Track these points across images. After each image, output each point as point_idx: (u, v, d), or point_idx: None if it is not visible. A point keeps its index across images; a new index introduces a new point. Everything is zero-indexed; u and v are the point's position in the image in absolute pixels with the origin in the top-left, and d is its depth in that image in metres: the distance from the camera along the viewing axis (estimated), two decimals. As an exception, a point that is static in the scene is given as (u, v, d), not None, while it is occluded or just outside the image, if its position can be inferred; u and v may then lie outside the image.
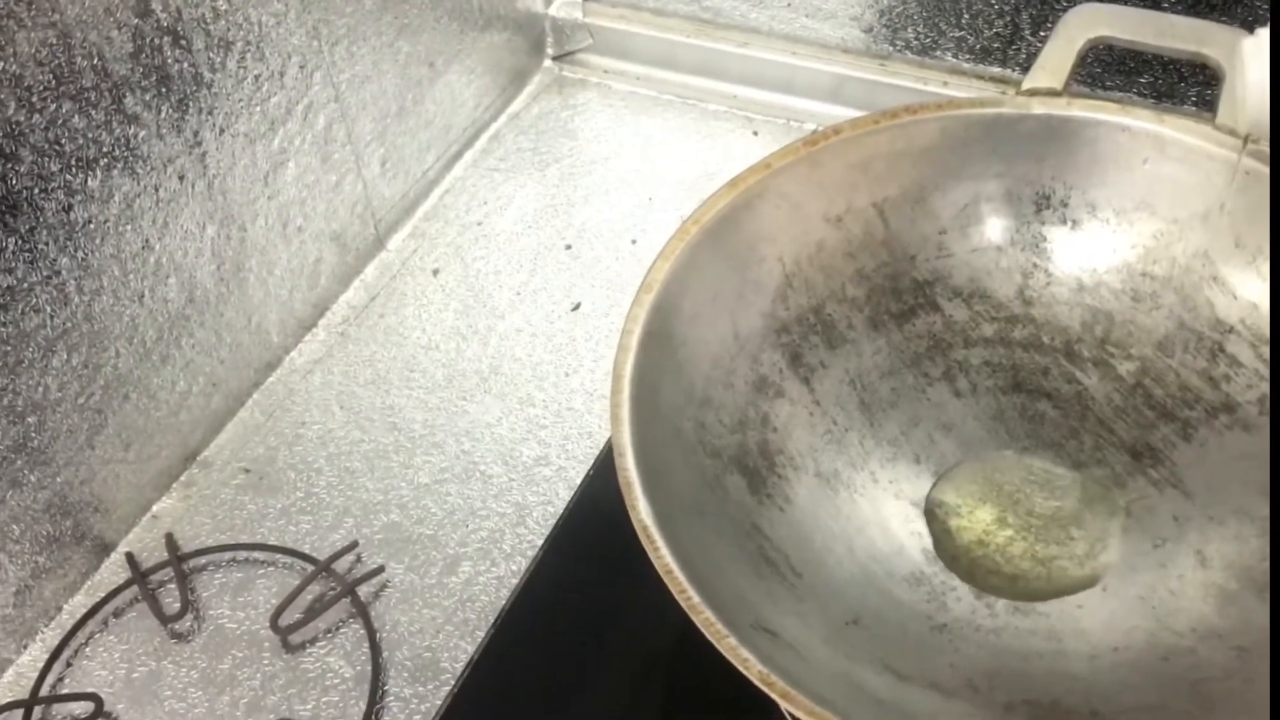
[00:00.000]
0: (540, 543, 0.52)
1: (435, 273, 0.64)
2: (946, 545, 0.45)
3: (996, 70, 0.65)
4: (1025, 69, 0.63)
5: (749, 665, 0.34)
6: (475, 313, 0.62)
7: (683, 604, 0.36)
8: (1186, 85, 0.61)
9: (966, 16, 0.64)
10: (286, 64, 0.55)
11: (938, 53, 0.66)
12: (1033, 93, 0.48)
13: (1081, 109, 0.48)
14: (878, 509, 0.45)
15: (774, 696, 0.34)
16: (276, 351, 0.60)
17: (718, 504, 0.42)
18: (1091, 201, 0.48)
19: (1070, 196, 0.49)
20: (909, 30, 0.66)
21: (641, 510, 0.38)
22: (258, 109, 0.54)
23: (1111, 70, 0.62)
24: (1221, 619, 0.40)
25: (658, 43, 0.73)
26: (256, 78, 0.53)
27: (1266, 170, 0.45)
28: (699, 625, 0.35)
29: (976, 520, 0.45)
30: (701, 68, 0.72)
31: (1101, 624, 0.41)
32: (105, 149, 0.47)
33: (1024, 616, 0.42)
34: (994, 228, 0.49)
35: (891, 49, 0.67)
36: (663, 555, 0.37)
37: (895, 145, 0.48)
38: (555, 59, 0.76)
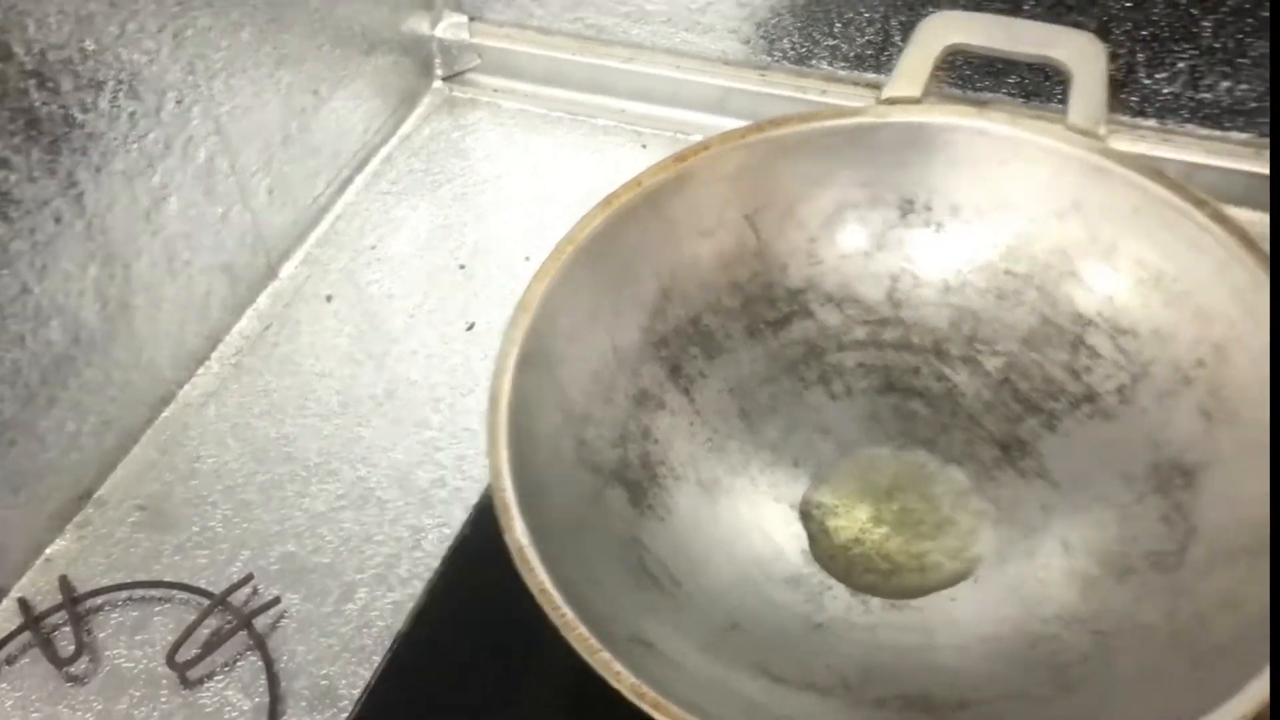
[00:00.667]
0: (436, 565, 0.52)
1: (329, 299, 0.64)
2: (824, 545, 0.46)
3: (871, 76, 0.66)
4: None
5: (621, 678, 0.35)
6: (369, 337, 0.62)
7: (556, 621, 0.37)
8: (1051, 84, 0.63)
9: (839, 25, 0.65)
10: (162, 100, 0.55)
11: (813, 61, 0.67)
12: (892, 101, 0.50)
13: (939, 115, 0.49)
14: (757, 513, 0.46)
15: (645, 708, 0.35)
16: (169, 386, 0.60)
17: (599, 519, 0.43)
18: (954, 204, 0.50)
19: (933, 200, 0.50)
20: (785, 41, 0.67)
21: (517, 531, 0.39)
22: (134, 146, 0.54)
23: (981, 72, 0.64)
24: (1084, 604, 0.42)
25: (545, 60, 0.74)
26: (131, 115, 0.53)
27: (1115, 167, 0.47)
28: (572, 642, 0.36)
29: (853, 519, 0.47)
30: (589, 84, 0.73)
31: (972, 615, 0.43)
32: (-27, 195, 0.47)
33: (899, 612, 0.44)
34: (861, 233, 0.51)
35: (770, 59, 0.68)
36: (537, 574, 0.38)
37: (762, 158, 0.50)
38: (445, 79, 0.76)
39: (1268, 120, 0.60)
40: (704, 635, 0.41)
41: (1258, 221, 0.62)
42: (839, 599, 0.44)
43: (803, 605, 0.44)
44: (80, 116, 0.51)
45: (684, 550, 0.44)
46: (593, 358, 0.46)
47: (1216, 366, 0.44)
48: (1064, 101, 0.62)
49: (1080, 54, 0.48)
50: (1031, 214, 0.49)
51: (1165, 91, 0.61)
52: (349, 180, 0.70)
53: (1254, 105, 0.60)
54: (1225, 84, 0.60)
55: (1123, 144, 0.62)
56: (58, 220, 0.51)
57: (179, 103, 0.56)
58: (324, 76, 0.66)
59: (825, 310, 0.51)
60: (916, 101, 0.50)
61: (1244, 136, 0.61)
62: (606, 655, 0.36)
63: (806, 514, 0.47)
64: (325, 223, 0.68)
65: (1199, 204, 0.45)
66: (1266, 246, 0.44)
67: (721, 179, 0.49)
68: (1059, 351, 0.48)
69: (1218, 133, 0.62)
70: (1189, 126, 0.62)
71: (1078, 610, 0.42)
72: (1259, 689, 0.34)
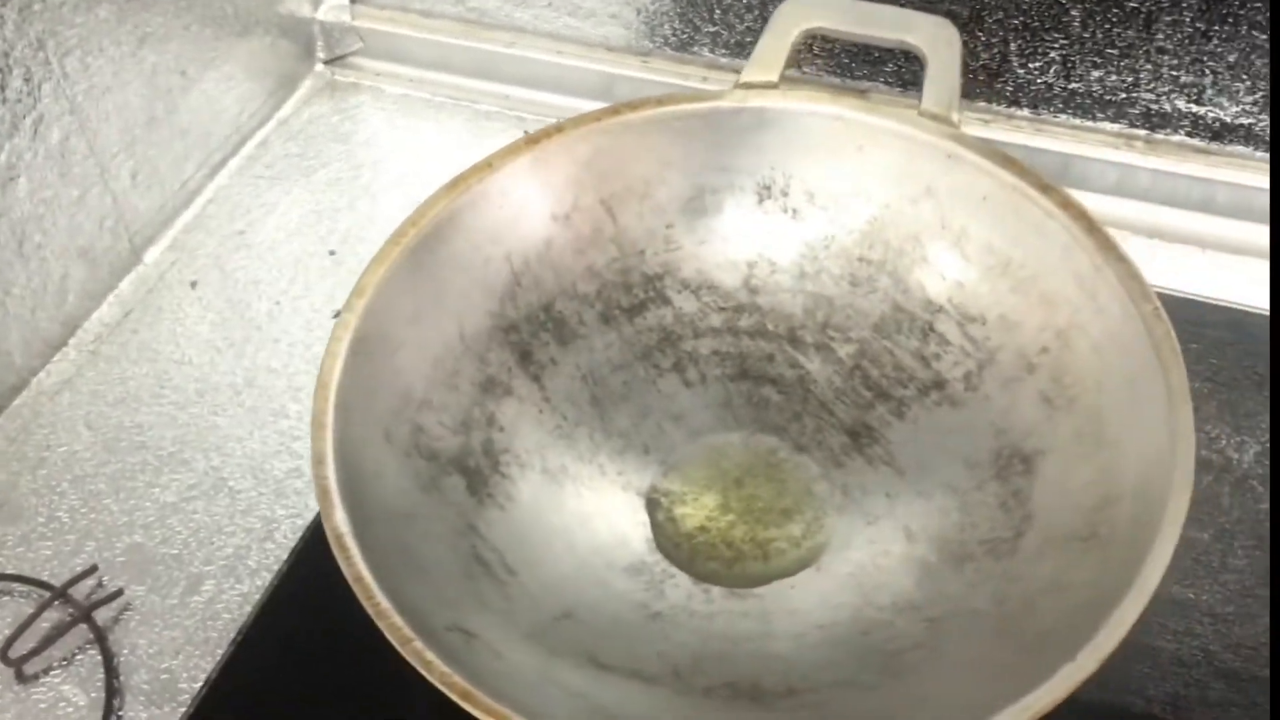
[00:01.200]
0: (285, 556, 0.51)
1: (193, 285, 0.63)
2: (669, 533, 0.45)
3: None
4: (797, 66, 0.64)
5: (431, 668, 0.34)
6: (232, 324, 0.61)
7: (370, 611, 0.36)
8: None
9: (718, 11, 0.65)
10: (7, 77, 0.53)
11: (695, 48, 0.67)
12: (749, 86, 0.49)
13: (794, 100, 0.49)
14: (603, 501, 0.46)
15: (454, 698, 0.34)
16: (21, 374, 0.58)
17: (431, 507, 0.42)
18: (810, 190, 0.49)
19: (790, 186, 0.50)
20: (666, 27, 0.67)
21: (336, 519, 0.38)
22: (-25, 124, 0.52)
23: (859, 60, 0.64)
24: (919, 591, 0.42)
25: (428, 45, 0.73)
26: (-30, 92, 0.52)
27: (967, 153, 0.47)
28: (385, 631, 0.35)
29: (701, 507, 0.46)
30: (473, 69, 0.72)
31: (811, 603, 0.43)
32: None
33: (739, 600, 0.43)
34: (718, 219, 0.50)
35: (651, 45, 0.68)
36: (354, 563, 0.37)
37: (618, 141, 0.49)
38: (327, 63, 0.75)
39: (1137, 111, 0.61)
40: (533, 624, 0.40)
41: (1130, 210, 0.62)
42: (680, 587, 0.43)
43: (642, 594, 0.43)
44: (-89, 92, 0.49)
45: (523, 539, 0.43)
46: (436, 343, 0.45)
47: (1059, 353, 0.44)
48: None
49: (934, 39, 0.48)
50: (885, 200, 0.48)
51: (1039, 81, 0.61)
52: (221, 164, 0.68)
53: (1123, 96, 0.60)
54: (1096, 74, 0.60)
55: (998, 134, 0.63)
56: (-112, 199, 0.49)
57: (27, 80, 0.54)
58: (192, 57, 0.64)
59: (682, 297, 0.50)
60: (773, 86, 0.49)
61: (1115, 127, 0.61)
62: (419, 645, 0.35)
63: (654, 502, 0.46)
64: (195, 207, 0.66)
65: (1045, 190, 0.45)
66: (1110, 231, 0.44)
67: (576, 162, 0.49)
68: (910, 338, 0.48)
69: (1090, 123, 0.62)
70: (1063, 117, 0.62)
71: (913, 598, 0.42)
72: (1073, 672, 0.34)
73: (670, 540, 0.45)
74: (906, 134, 0.47)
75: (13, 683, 0.48)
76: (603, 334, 0.49)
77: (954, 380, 0.46)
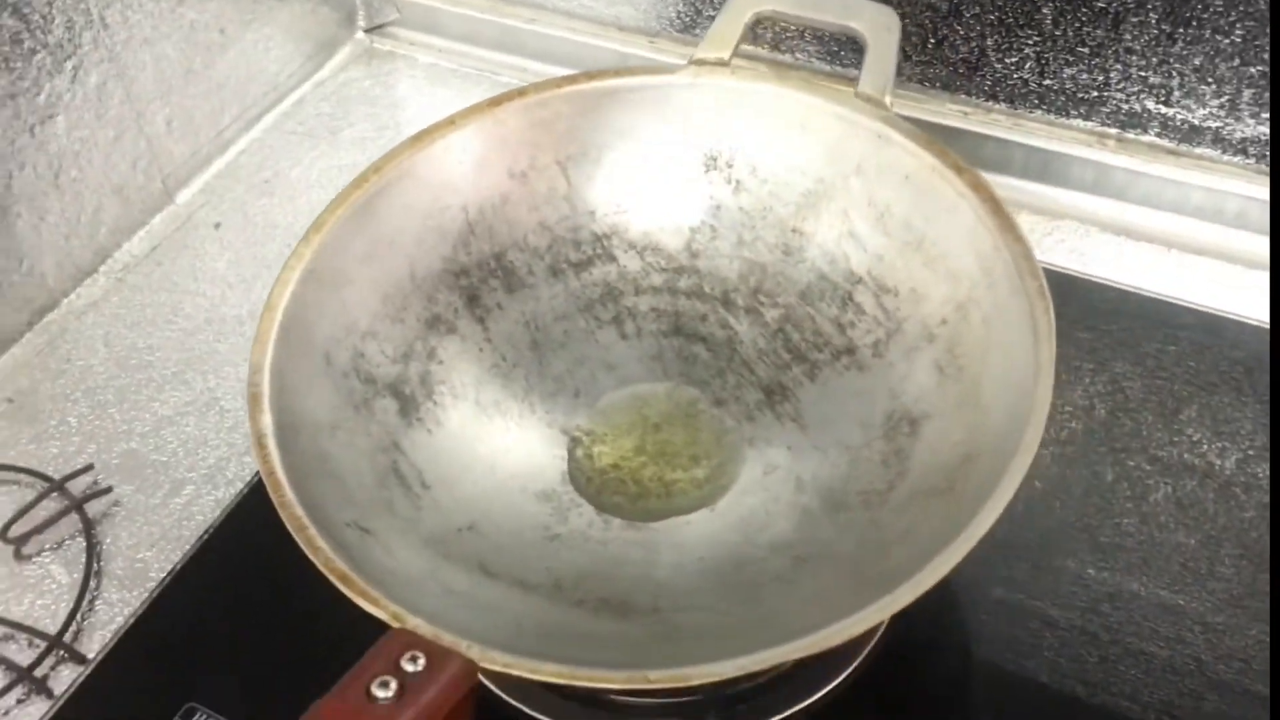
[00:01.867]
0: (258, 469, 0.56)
1: (217, 226, 0.68)
2: (585, 468, 0.49)
3: (748, 48, 0.69)
4: (774, 46, 0.67)
5: (318, 553, 0.39)
6: (246, 263, 0.66)
7: (275, 502, 0.40)
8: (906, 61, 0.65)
9: (718, -3, 0.68)
10: (49, 24, 0.59)
11: (697, 30, 0.70)
12: (701, 63, 0.53)
13: (742, 79, 0.52)
14: (527, 435, 0.50)
15: (334, 580, 0.38)
16: (53, 294, 0.64)
17: (359, 423, 0.46)
18: (752, 163, 0.53)
19: (734, 159, 0.53)
20: (671, 9, 0.70)
21: (261, 422, 0.42)
22: (19, 64, 0.58)
23: (847, 48, 0.66)
24: (795, 533, 0.45)
25: (458, 18, 0.77)
26: (14, 35, 0.58)
27: (894, 134, 0.50)
28: (284, 520, 0.40)
29: (618, 447, 0.50)
30: (496, 43, 0.77)
31: (698, 539, 0.46)
32: None
33: (635, 531, 0.47)
34: (666, 186, 0.53)
35: (658, 26, 0.71)
36: (269, 460, 0.41)
37: (576, 107, 0.53)
38: (367, 31, 0.80)
39: (1108, 110, 0.62)
40: (434, 532, 0.44)
41: (1107, 209, 0.64)
42: (583, 516, 0.47)
43: (547, 517, 0.47)
44: (-40, 32, 0.55)
45: (444, 460, 0.47)
46: (386, 280, 0.49)
47: (956, 325, 0.46)
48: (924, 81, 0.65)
49: (875, 25, 0.51)
50: (820, 176, 0.51)
51: (1015, 76, 0.63)
52: (257, 118, 0.74)
53: (1095, 95, 0.62)
54: (1069, 71, 0.62)
55: (977, 127, 0.65)
56: (-66, 125, 0.55)
57: (68, 28, 0.60)
58: (231, 18, 0.70)
59: (627, 256, 0.54)
60: (725, 65, 0.52)
61: (1088, 125, 0.63)
62: (312, 533, 0.39)
63: (576, 440, 0.50)
64: (228, 155, 0.72)
65: (959, 171, 0.47)
66: (1012, 212, 0.46)
67: (535, 124, 0.52)
68: (830, 306, 0.51)
69: (1064, 120, 0.63)
70: (1038, 113, 0.64)
71: (789, 539, 0.45)
72: (889, 604, 0.36)
73: (584, 474, 0.49)
74: (842, 114, 0.50)
75: (10, 559, 0.54)
76: (549, 285, 0.53)
77: (864, 347, 0.49)
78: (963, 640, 0.48)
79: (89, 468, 0.57)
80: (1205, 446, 0.54)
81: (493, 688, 0.45)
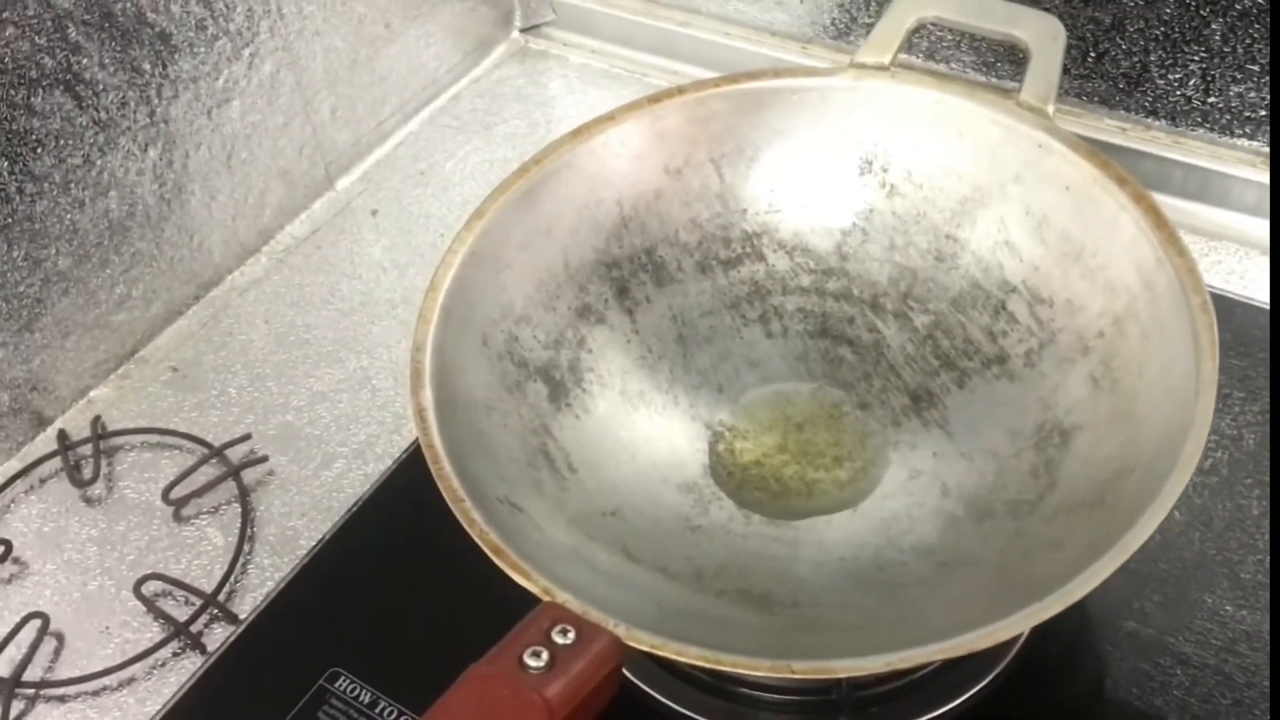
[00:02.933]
0: (406, 447, 0.58)
1: (374, 213, 0.71)
2: (727, 462, 0.50)
3: (903, 56, 0.69)
4: (929, 55, 0.67)
5: (473, 525, 0.40)
6: (400, 249, 0.69)
7: (433, 472, 0.42)
8: (1070, 77, 0.64)
9: (875, 4, 0.68)
10: (231, 12, 0.62)
11: (851, 37, 0.70)
12: (861, 66, 0.53)
13: (902, 83, 0.52)
14: (671, 427, 0.50)
15: (487, 551, 0.39)
16: (219, 270, 0.67)
17: (512, 404, 0.47)
18: (908, 168, 0.53)
19: (890, 163, 0.53)
20: (826, 16, 0.71)
21: (422, 396, 0.44)
22: (202, 49, 0.61)
23: (1004, 60, 0.66)
24: (939, 539, 0.45)
25: (612, 20, 0.79)
26: (200, 21, 0.61)
27: (1055, 144, 0.49)
28: (443, 492, 0.41)
29: (760, 444, 0.50)
30: (649, 45, 0.78)
31: (840, 539, 0.46)
32: (47, 71, 0.55)
33: (775, 528, 0.47)
34: (820, 187, 0.54)
35: (811, 33, 0.72)
36: (429, 431, 0.43)
37: (734, 105, 0.53)
38: (523, 31, 0.82)
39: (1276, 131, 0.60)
40: (580, 513, 0.45)
41: (1264, 229, 0.62)
42: (724, 509, 0.48)
43: (688, 509, 0.47)
44: (152, 16, 0.58)
45: (590, 445, 0.48)
46: (541, 267, 0.51)
47: (1113, 338, 0.46)
48: (1082, 95, 0.64)
49: (1040, 34, 0.50)
50: (977, 183, 0.51)
51: (1178, 93, 0.62)
52: (415, 111, 0.76)
53: (1263, 114, 0.60)
54: (1236, 90, 0.60)
55: (1136, 144, 0.63)
56: (123, 105, 0.59)
57: (249, 16, 0.63)
58: (397, 12, 0.72)
59: (776, 256, 0.54)
60: (885, 69, 0.53)
61: (1253, 144, 0.62)
62: (468, 505, 0.40)
63: (718, 434, 0.50)
64: (386, 146, 0.75)
65: (1121, 183, 0.47)
66: (1175, 227, 0.45)
67: (693, 121, 0.53)
68: (982, 315, 0.50)
69: (1227, 139, 0.62)
70: (1200, 131, 0.63)
71: (932, 545, 0.44)
72: (1037, 611, 0.36)
73: (725, 468, 0.49)
74: (1002, 122, 0.50)
75: (170, 520, 0.57)
76: (697, 281, 0.53)
77: (1016, 356, 0.49)
78: (1094, 671, 0.47)
79: (246, 437, 0.59)
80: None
81: (627, 674, 0.46)
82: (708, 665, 0.36)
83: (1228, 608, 0.48)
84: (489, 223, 0.49)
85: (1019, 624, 0.36)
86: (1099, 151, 0.48)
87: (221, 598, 0.53)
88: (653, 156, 0.53)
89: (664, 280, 0.53)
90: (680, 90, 0.53)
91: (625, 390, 0.51)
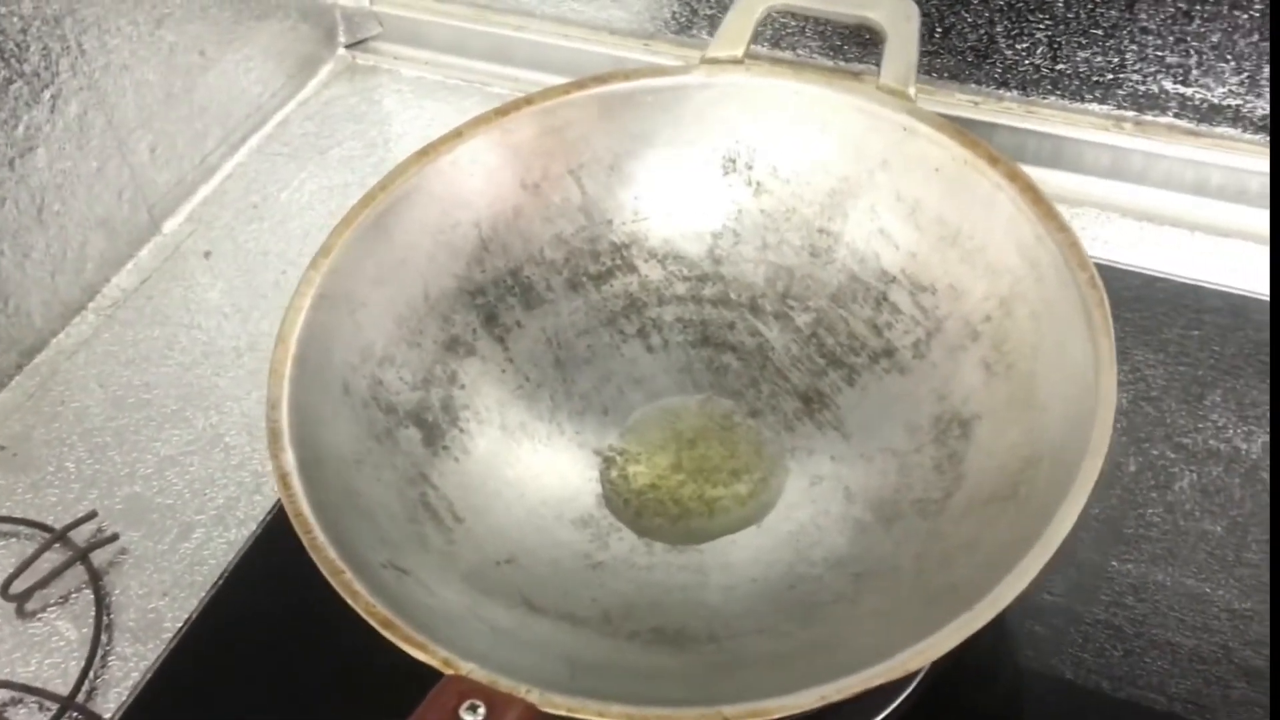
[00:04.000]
0: (270, 508, 0.54)
1: (207, 254, 0.66)
2: (621, 489, 0.47)
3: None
4: (774, 43, 0.65)
5: (357, 598, 0.36)
6: (240, 292, 0.64)
7: (305, 544, 0.38)
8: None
9: (717, -7, 0.66)
10: (24, 52, 0.57)
11: (694, 30, 0.68)
12: (714, 62, 0.51)
13: (757, 76, 0.50)
14: (558, 458, 0.47)
15: (375, 625, 0.36)
16: (41, 334, 0.61)
17: (384, 455, 0.44)
18: (773, 163, 0.51)
19: (754, 160, 0.51)
20: (666, 10, 0.68)
21: (283, 460, 0.40)
22: (-5, 96, 0.56)
23: (851, 41, 0.65)
24: (850, 548, 0.43)
25: (443, 29, 0.75)
26: (-10, 66, 0.55)
27: (921, 126, 0.48)
28: (319, 564, 0.37)
29: (653, 465, 0.48)
30: (485, 52, 0.74)
31: (748, 559, 0.44)
32: None
33: (679, 554, 0.45)
34: (684, 191, 0.52)
35: (653, 28, 0.69)
36: (295, 500, 0.39)
37: (587, 113, 0.51)
38: (348, 47, 0.78)
39: (1124, 93, 0.61)
40: (472, 567, 0.42)
41: (1124, 194, 0.63)
42: (624, 541, 0.45)
43: (586, 545, 0.45)
44: (-68, 64, 0.52)
45: (473, 489, 0.45)
46: (400, 302, 0.47)
47: (1000, 320, 0.45)
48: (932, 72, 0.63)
49: (894, 15, 0.49)
50: (844, 173, 0.49)
51: (1026, 63, 0.62)
52: (241, 141, 0.71)
53: (1110, 78, 0.60)
54: (1083, 55, 0.60)
55: (988, 116, 0.63)
56: (-90, 164, 0.53)
57: (45, 56, 0.58)
58: (211, 39, 0.67)
59: (648, 266, 0.52)
60: (738, 63, 0.51)
61: (1103, 109, 0.62)
62: (349, 576, 0.37)
63: (609, 460, 0.48)
64: (213, 181, 0.70)
65: (994, 161, 0.46)
66: (1053, 202, 0.45)
67: (546, 132, 0.50)
68: (864, 308, 0.49)
69: (1078, 105, 0.62)
70: (1051, 99, 0.62)
71: (843, 555, 0.43)
72: (969, 621, 0.35)
73: (620, 496, 0.47)
74: (864, 108, 0.49)
75: (12, 617, 0.51)
76: (569, 300, 0.51)
77: (903, 348, 0.47)
78: (986, 638, 0.46)
79: (92, 515, 0.54)
80: (1230, 431, 0.53)
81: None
82: (632, 722, 0.33)
83: (1113, 563, 0.48)
84: (337, 260, 0.46)
85: (951, 637, 0.34)
86: (966, 131, 0.47)
87: (81, 698, 0.48)
88: (507, 172, 0.50)
89: (533, 302, 0.50)
90: (529, 100, 0.50)
91: (505, 424, 0.48)
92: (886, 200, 0.49)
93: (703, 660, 0.39)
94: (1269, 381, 0.54)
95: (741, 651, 0.39)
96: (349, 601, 0.37)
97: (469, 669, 0.34)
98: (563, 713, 0.33)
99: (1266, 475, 0.51)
